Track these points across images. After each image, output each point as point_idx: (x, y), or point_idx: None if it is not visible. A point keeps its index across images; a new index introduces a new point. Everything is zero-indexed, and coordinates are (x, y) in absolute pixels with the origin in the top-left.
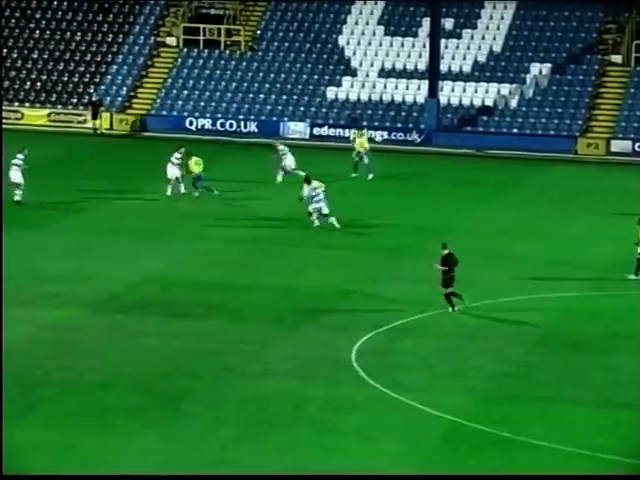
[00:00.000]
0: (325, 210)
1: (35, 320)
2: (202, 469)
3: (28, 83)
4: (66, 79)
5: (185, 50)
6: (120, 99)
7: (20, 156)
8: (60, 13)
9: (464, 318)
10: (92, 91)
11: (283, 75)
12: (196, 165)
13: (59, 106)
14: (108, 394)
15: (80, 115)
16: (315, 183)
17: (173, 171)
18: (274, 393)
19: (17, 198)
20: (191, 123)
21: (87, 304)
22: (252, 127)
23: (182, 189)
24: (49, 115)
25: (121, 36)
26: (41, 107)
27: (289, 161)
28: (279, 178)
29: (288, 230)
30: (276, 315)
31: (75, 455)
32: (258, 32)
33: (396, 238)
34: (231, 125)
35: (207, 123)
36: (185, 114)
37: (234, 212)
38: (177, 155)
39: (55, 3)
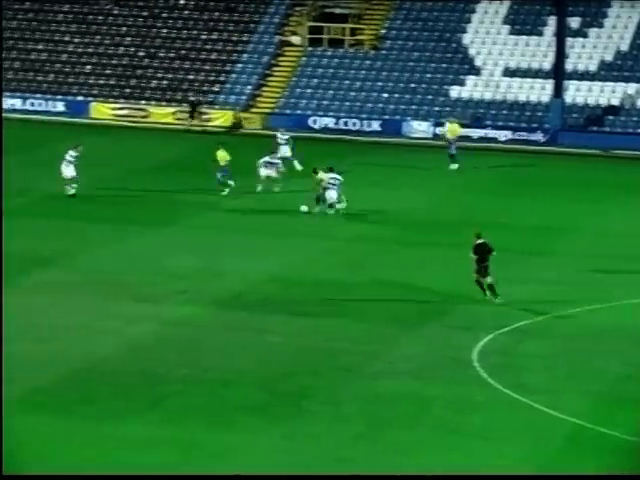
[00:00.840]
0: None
1: (161, 317)
2: (321, 467)
3: (154, 82)
4: (192, 78)
5: (309, 49)
6: (244, 98)
7: (73, 152)
8: (186, 12)
9: (588, 319)
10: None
11: (407, 74)
12: (223, 158)
13: (184, 104)
14: (231, 391)
15: (205, 113)
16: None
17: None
18: (395, 392)
19: (71, 192)
20: (314, 122)
21: (212, 301)
22: (375, 126)
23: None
24: (174, 113)
25: (246, 35)
26: (167, 105)
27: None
28: (298, 166)
29: (409, 230)
30: (397, 314)
31: (197, 451)
32: (382, 31)
33: (520, 239)
34: (354, 124)
35: (330, 122)
36: (308, 113)
37: (355, 211)
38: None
39: (182, 2)
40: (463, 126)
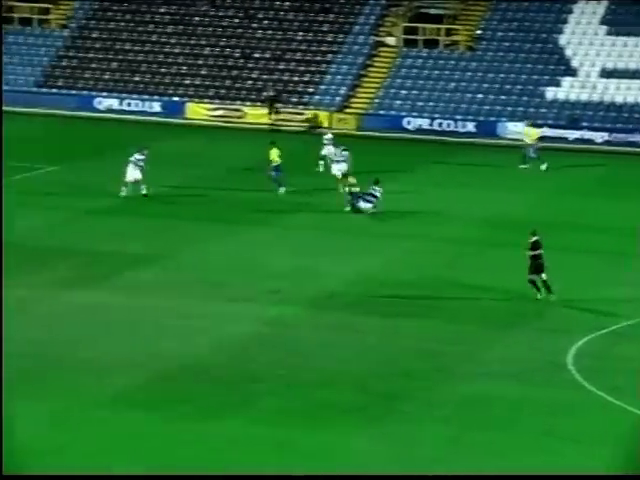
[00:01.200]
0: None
1: (257, 316)
2: (416, 469)
3: (249, 82)
4: (286, 79)
5: (404, 50)
6: (339, 98)
7: (138, 156)
8: (282, 13)
9: None
10: (268, 86)
11: (502, 75)
12: (277, 156)
13: (280, 105)
14: (325, 391)
15: (300, 114)
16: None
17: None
18: (489, 394)
19: (144, 192)
20: (408, 123)
21: (306, 301)
22: (470, 127)
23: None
24: (270, 114)
25: (341, 36)
26: (262, 106)
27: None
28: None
29: (502, 230)
30: (490, 316)
31: (290, 451)
32: (478, 32)
33: (616, 241)
34: (448, 125)
35: (424, 123)
36: (403, 113)
37: (446, 212)
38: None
39: (277, 3)
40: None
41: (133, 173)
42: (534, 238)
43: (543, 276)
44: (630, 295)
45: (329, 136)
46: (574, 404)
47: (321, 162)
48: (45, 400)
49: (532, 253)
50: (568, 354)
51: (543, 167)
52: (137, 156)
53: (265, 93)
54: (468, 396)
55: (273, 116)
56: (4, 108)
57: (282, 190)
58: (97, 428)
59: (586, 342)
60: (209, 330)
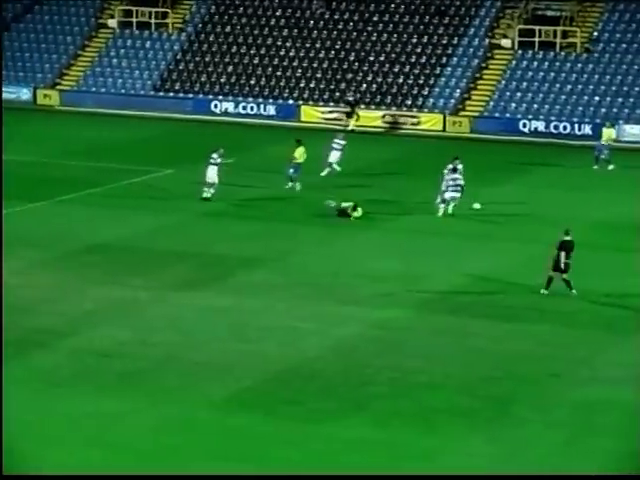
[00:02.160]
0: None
1: (365, 318)
2: (526, 472)
3: (364, 85)
4: (401, 81)
5: (520, 52)
6: (453, 101)
7: (215, 155)
8: (397, 16)
9: None
10: (349, 91)
11: (620, 77)
12: (301, 155)
13: (394, 108)
14: (435, 395)
15: (414, 117)
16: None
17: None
18: (605, 400)
19: (206, 195)
20: (524, 125)
21: (415, 304)
22: (586, 130)
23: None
24: (383, 117)
25: (456, 38)
26: (376, 109)
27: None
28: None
29: (621, 234)
30: (608, 321)
31: (402, 454)
32: (595, 33)
33: None
34: (565, 127)
35: (540, 125)
36: (518, 116)
37: (561, 214)
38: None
39: (393, 6)
40: None
41: (211, 174)
42: (567, 237)
43: (565, 276)
44: None
45: (343, 142)
46: None
47: (328, 169)
48: (157, 402)
49: (562, 253)
50: None
51: (610, 167)
52: (214, 155)
53: (347, 97)
54: (581, 401)
55: (353, 121)
56: (123, 112)
57: (297, 186)
58: (208, 430)
59: None
60: (318, 332)
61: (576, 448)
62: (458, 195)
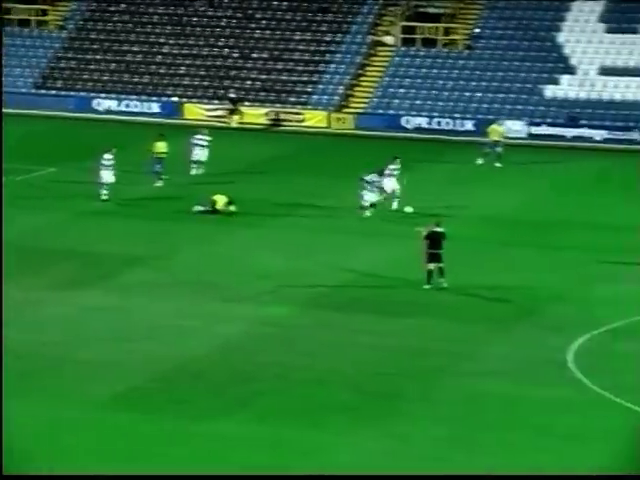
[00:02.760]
0: None
1: (250, 316)
2: (413, 468)
3: (248, 82)
4: (285, 78)
5: (402, 49)
6: (337, 98)
7: (106, 156)
8: (280, 13)
9: None
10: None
11: (500, 73)
12: (161, 149)
13: (277, 105)
14: (321, 391)
15: (298, 114)
16: None
17: None
18: (487, 393)
19: (104, 198)
20: (407, 121)
21: (300, 301)
22: (469, 126)
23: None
24: (267, 114)
25: (339, 35)
26: (260, 106)
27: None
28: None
29: (498, 229)
30: (488, 314)
31: (286, 451)
32: (476, 30)
33: (615, 238)
34: (447, 124)
35: (423, 121)
36: (401, 112)
37: (446, 211)
38: None
39: (275, 3)
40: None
41: (106, 176)
42: (436, 229)
43: (441, 264)
44: (629, 292)
45: (206, 137)
46: (574, 402)
47: (195, 167)
48: (43, 401)
49: (428, 242)
50: (568, 352)
51: (498, 165)
52: (106, 156)
53: (229, 94)
54: (464, 395)
55: (235, 117)
56: (3, 110)
57: (159, 183)
58: (94, 429)
59: (586, 340)
60: (204, 330)
61: (460, 442)
62: (375, 196)
